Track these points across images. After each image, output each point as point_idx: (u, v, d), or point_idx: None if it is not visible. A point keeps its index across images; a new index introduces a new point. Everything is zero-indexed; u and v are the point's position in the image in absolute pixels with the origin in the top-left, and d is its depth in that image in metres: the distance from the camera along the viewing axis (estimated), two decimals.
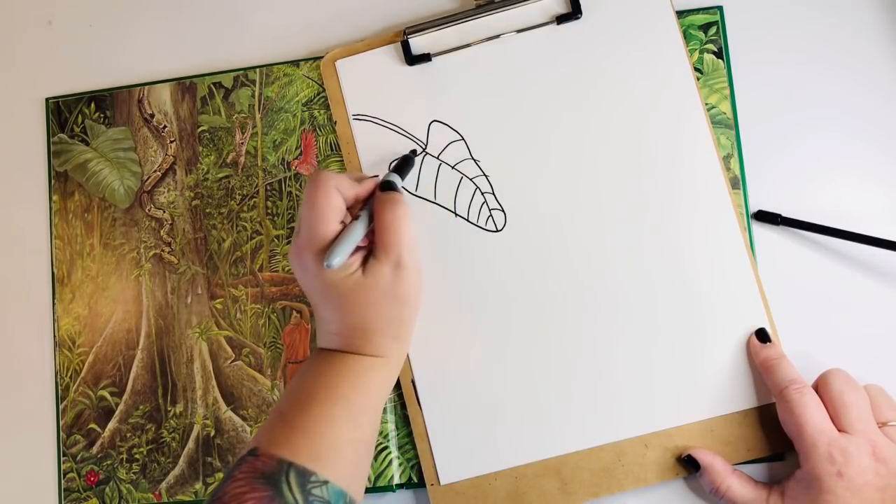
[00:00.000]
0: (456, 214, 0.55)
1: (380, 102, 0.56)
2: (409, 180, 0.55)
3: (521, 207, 0.54)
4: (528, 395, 0.52)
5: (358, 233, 0.47)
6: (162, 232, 0.59)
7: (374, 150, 0.56)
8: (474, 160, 0.55)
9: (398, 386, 0.54)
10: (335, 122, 0.57)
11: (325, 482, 0.42)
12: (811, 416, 0.45)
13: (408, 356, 0.54)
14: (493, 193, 0.54)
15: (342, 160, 0.57)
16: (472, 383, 0.53)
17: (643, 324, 0.52)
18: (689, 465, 0.50)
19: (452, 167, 0.55)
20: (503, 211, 0.54)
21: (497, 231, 0.54)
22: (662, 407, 0.51)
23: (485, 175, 0.55)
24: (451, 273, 0.54)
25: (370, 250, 0.48)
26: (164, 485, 0.56)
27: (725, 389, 0.51)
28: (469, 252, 0.54)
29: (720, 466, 0.49)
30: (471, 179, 0.55)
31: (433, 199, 0.55)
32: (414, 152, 0.53)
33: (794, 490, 0.46)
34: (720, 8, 0.55)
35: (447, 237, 0.54)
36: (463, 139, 0.55)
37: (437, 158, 0.55)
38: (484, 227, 0.54)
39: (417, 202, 0.55)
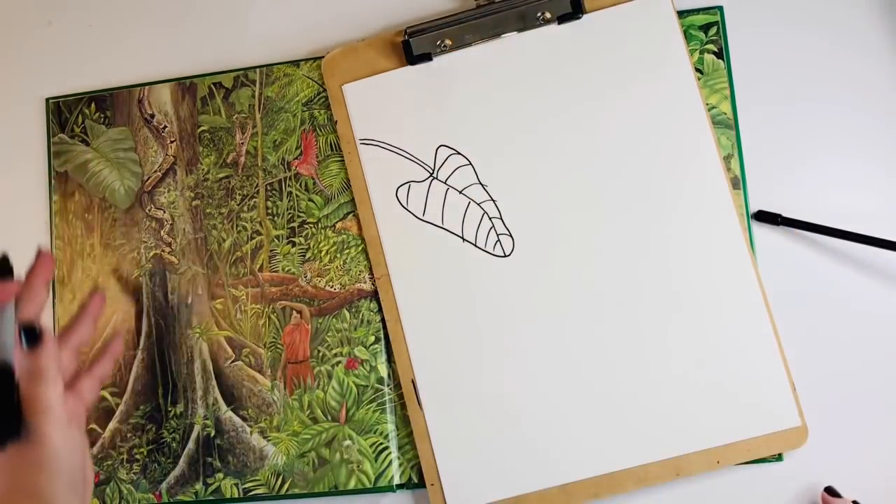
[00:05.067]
0: (464, 240, 0.55)
1: (387, 126, 0.56)
2: (416, 205, 0.55)
3: (529, 231, 0.54)
4: (534, 418, 0.52)
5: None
6: (162, 232, 0.59)
7: (382, 176, 0.56)
8: (482, 185, 0.55)
9: (398, 386, 0.54)
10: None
11: None
12: None
13: (410, 362, 0.54)
14: (501, 218, 0.54)
15: (342, 160, 0.57)
16: (478, 403, 0.53)
17: (649, 342, 0.52)
18: None
19: (460, 192, 0.55)
20: (511, 236, 0.54)
21: (505, 256, 0.54)
22: (671, 430, 0.51)
23: (492, 200, 0.55)
24: (459, 298, 0.54)
25: None
26: (164, 485, 0.56)
27: (735, 409, 0.51)
28: (477, 277, 0.54)
29: None
30: (478, 204, 0.55)
31: (441, 224, 0.55)
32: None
33: None
34: (720, 8, 0.55)
35: (455, 262, 0.54)
36: (470, 164, 0.55)
37: (445, 183, 0.55)
38: (492, 251, 0.54)
39: (425, 227, 0.55)
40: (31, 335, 0.39)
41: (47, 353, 0.39)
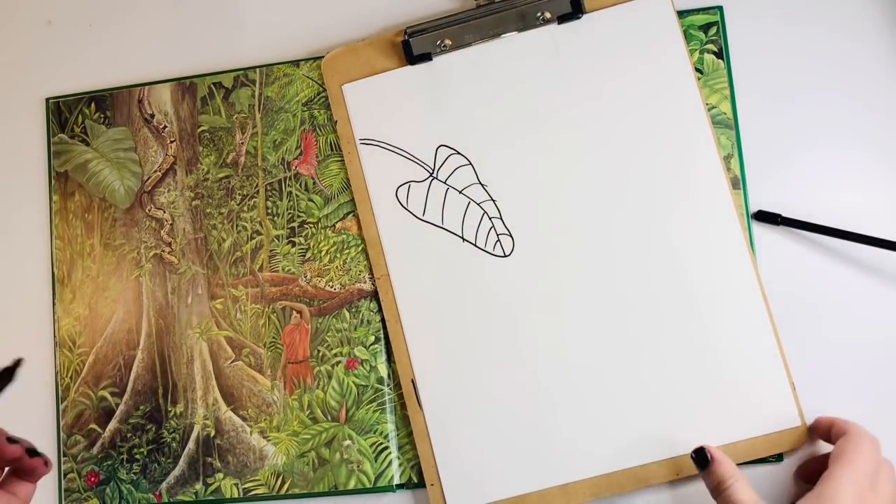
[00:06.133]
0: (464, 239, 0.55)
1: (387, 126, 0.56)
2: (416, 205, 0.55)
3: (529, 231, 0.54)
4: (534, 418, 0.52)
5: None
6: (162, 232, 0.59)
7: (382, 176, 0.56)
8: (482, 185, 0.55)
9: (398, 386, 0.54)
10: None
11: None
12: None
13: (410, 362, 0.54)
14: (501, 218, 0.54)
15: (342, 160, 0.57)
16: (478, 403, 0.53)
17: (649, 342, 0.52)
18: (696, 460, 0.48)
19: (460, 192, 0.55)
20: (511, 236, 0.54)
21: (505, 256, 0.54)
22: (671, 430, 0.51)
23: (492, 200, 0.55)
24: (458, 298, 0.54)
25: None
26: (164, 485, 0.56)
27: (735, 409, 0.51)
28: (477, 277, 0.54)
29: (731, 465, 0.47)
30: (478, 204, 0.55)
31: (441, 224, 0.55)
32: (16, 364, 0.44)
33: None
34: (720, 8, 0.55)
35: (455, 262, 0.54)
36: (470, 164, 0.55)
37: (445, 183, 0.55)
38: (492, 252, 0.54)
39: (425, 227, 0.55)
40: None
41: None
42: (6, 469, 0.43)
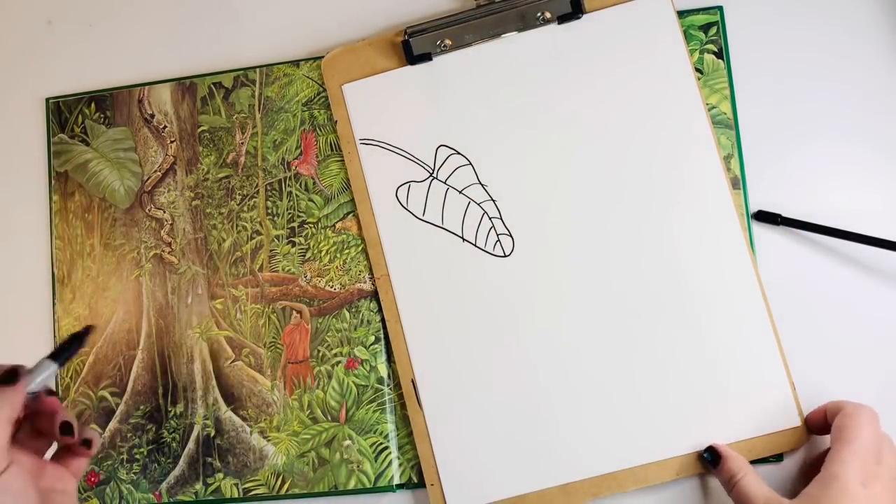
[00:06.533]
0: (463, 239, 0.55)
1: (387, 126, 0.56)
2: (416, 205, 0.55)
3: (529, 231, 0.54)
4: (534, 417, 0.52)
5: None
6: (162, 232, 0.59)
7: (382, 176, 0.56)
8: (482, 185, 0.55)
9: (398, 386, 0.54)
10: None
11: None
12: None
13: (410, 362, 0.54)
14: (501, 218, 0.54)
15: (342, 160, 0.57)
16: (478, 403, 0.53)
17: (650, 342, 0.52)
18: (708, 459, 0.49)
19: (460, 192, 0.55)
20: (511, 236, 0.54)
21: (505, 256, 0.54)
22: (671, 430, 0.51)
23: (492, 200, 0.55)
24: (458, 298, 0.54)
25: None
26: (164, 485, 0.56)
27: (735, 409, 0.51)
28: (477, 277, 0.54)
29: (741, 459, 0.48)
30: (478, 204, 0.55)
31: (440, 224, 0.55)
32: (86, 331, 0.43)
33: None
34: (720, 8, 0.55)
35: (455, 262, 0.54)
36: (470, 164, 0.55)
37: (445, 183, 0.55)
38: (492, 251, 0.54)
39: (425, 227, 0.55)
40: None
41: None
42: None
